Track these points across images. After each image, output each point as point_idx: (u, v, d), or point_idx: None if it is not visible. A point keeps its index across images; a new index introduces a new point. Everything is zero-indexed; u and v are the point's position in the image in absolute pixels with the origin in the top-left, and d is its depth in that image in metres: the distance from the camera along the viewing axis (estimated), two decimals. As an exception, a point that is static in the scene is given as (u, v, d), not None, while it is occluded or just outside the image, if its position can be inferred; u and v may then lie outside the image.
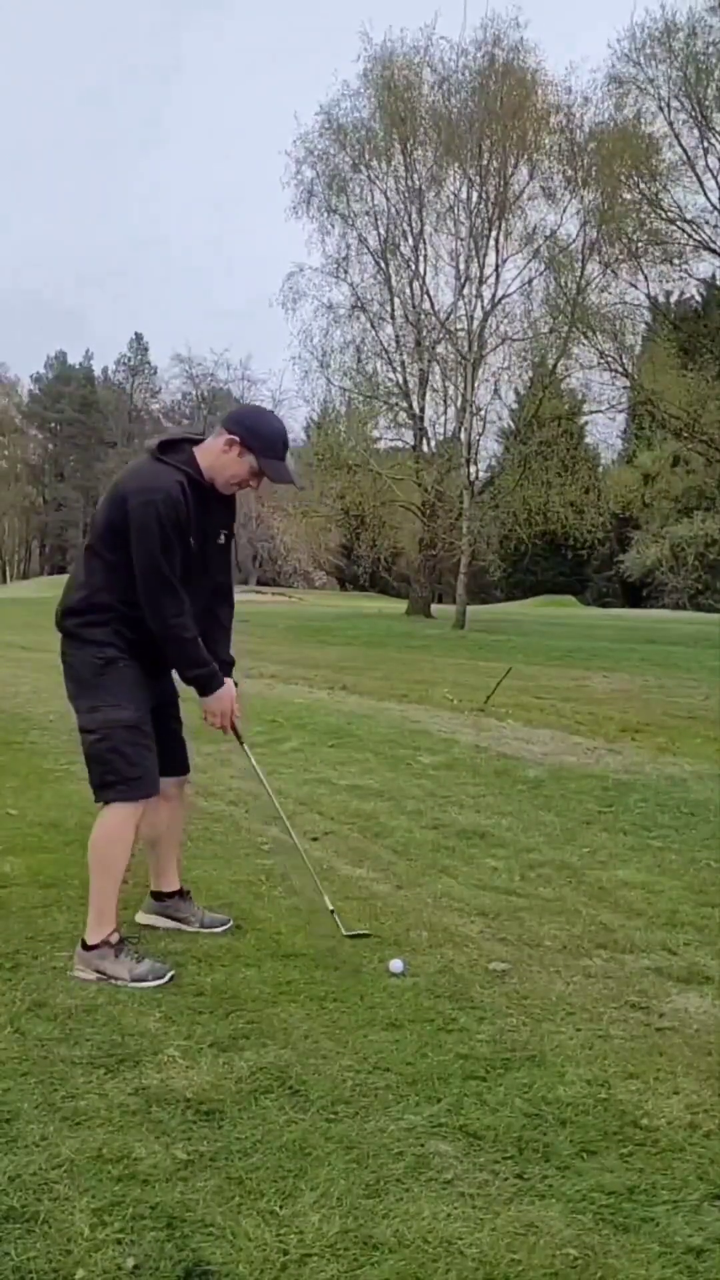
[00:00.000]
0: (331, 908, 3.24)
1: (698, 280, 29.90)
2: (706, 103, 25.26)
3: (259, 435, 2.99)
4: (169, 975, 2.89)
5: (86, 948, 2.94)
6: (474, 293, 29.29)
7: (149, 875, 3.38)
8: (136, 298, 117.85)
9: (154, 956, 3.00)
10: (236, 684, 3.16)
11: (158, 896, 3.35)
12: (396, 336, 31.01)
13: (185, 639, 2.94)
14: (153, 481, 2.89)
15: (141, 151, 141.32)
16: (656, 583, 46.34)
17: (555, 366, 29.70)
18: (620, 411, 33.90)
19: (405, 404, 31.40)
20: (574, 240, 28.32)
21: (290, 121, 59.47)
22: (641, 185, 26.63)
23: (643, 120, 26.25)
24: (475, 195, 29.00)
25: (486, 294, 29.36)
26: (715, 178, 25.97)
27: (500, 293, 29.45)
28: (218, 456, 2.99)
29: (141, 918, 3.34)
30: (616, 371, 29.35)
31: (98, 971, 2.89)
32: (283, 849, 4.04)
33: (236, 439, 2.96)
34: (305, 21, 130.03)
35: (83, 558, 3.06)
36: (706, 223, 26.60)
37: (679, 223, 26.75)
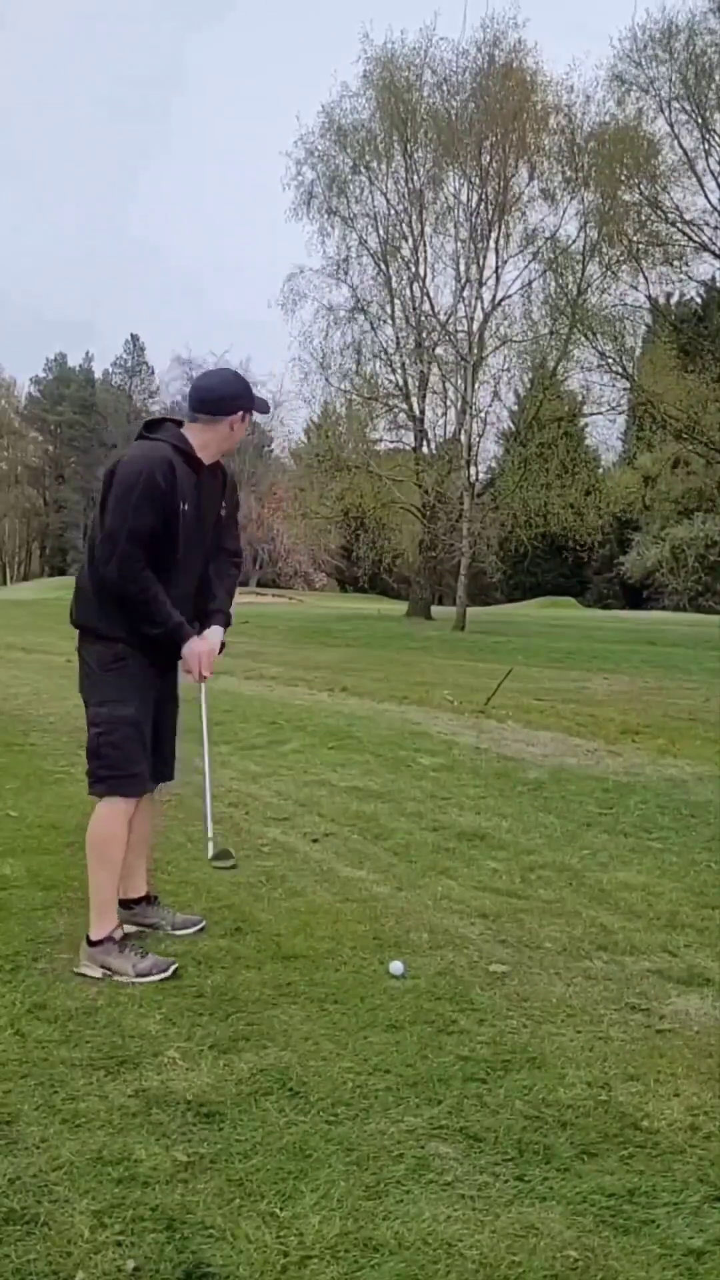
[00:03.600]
0: (210, 836, 3.64)
1: (698, 282, 29.97)
2: (707, 104, 25.29)
3: (249, 395, 3.14)
4: (172, 968, 2.90)
5: (91, 944, 2.95)
6: (474, 294, 29.32)
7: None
8: (137, 299, 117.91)
9: (156, 953, 3.00)
10: (224, 644, 3.24)
11: (125, 904, 3.32)
12: (396, 338, 31.04)
13: (144, 598, 2.97)
14: (141, 452, 3.01)
15: (143, 155, 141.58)
16: (657, 584, 46.29)
17: (555, 368, 29.72)
18: (620, 413, 33.93)
19: (405, 406, 31.41)
20: (574, 242, 28.38)
21: (291, 123, 59.68)
22: (641, 186, 26.66)
23: (643, 119, 26.30)
24: (475, 197, 29.05)
25: (486, 296, 29.40)
26: (715, 179, 26.01)
27: (500, 294, 29.49)
28: (228, 436, 3.10)
29: None
30: (617, 373, 29.36)
31: (104, 967, 2.90)
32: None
33: (245, 411, 3.10)
34: (306, 22, 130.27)
35: (88, 552, 3.08)
36: (707, 224, 26.65)
37: (679, 224, 26.78)
